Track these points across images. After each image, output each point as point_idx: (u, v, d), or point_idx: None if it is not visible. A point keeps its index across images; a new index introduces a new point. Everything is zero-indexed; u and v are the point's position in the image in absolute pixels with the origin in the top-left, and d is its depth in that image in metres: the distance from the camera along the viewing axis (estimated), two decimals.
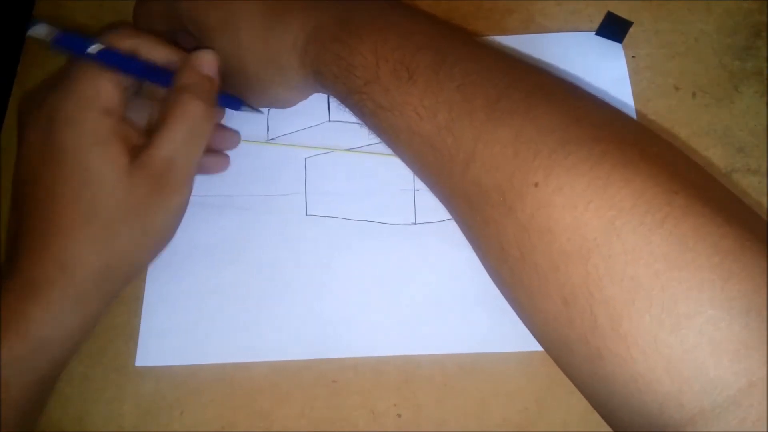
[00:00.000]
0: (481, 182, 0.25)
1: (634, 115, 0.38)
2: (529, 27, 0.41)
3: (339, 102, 0.32)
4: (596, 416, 0.31)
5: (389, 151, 0.31)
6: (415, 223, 0.36)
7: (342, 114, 0.38)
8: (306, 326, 0.35)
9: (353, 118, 0.34)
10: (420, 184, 0.37)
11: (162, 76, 0.31)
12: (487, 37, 0.40)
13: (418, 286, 0.35)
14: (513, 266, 0.25)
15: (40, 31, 0.28)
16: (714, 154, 0.37)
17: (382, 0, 0.32)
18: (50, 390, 0.32)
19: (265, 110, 0.39)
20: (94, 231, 0.29)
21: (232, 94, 0.35)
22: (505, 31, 0.40)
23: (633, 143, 0.24)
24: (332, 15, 0.31)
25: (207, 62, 0.31)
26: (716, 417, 0.19)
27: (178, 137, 0.30)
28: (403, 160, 0.31)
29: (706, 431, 0.20)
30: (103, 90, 0.29)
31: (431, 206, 0.36)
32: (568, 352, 0.24)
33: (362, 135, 0.37)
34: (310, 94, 0.37)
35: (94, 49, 0.29)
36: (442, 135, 0.26)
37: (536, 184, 0.23)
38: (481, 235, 0.27)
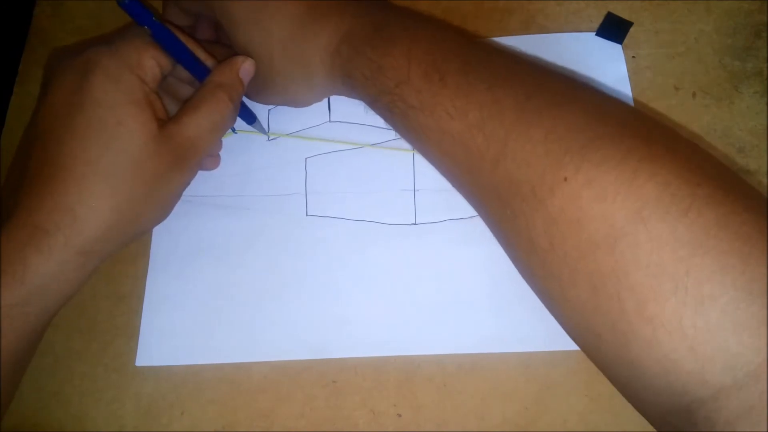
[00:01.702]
0: (512, 177, 0.26)
1: None
2: (529, 27, 0.41)
3: (366, 104, 0.33)
4: (596, 416, 0.31)
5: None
6: (415, 224, 0.36)
7: (342, 114, 0.38)
8: (306, 326, 0.35)
9: (353, 118, 0.34)
10: (420, 185, 0.37)
11: (197, 67, 0.34)
12: (488, 38, 0.40)
13: (418, 286, 0.35)
14: (543, 257, 0.26)
15: None
16: (714, 154, 0.37)
17: (413, 11, 0.34)
18: (35, 346, 0.31)
19: (265, 111, 0.39)
20: (112, 185, 0.29)
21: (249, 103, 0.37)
22: (505, 32, 0.40)
23: (657, 140, 0.25)
24: (367, 20, 0.32)
25: (245, 68, 0.33)
26: (737, 391, 0.20)
27: (205, 124, 0.32)
28: (430, 159, 0.32)
29: (728, 405, 0.20)
30: (145, 61, 0.31)
31: (431, 206, 0.36)
32: (595, 338, 0.25)
33: (362, 135, 0.37)
34: (327, 97, 0.38)
35: (154, 20, 0.31)
36: (473, 133, 0.27)
37: (566, 179, 0.24)
38: (510, 229, 0.27)
